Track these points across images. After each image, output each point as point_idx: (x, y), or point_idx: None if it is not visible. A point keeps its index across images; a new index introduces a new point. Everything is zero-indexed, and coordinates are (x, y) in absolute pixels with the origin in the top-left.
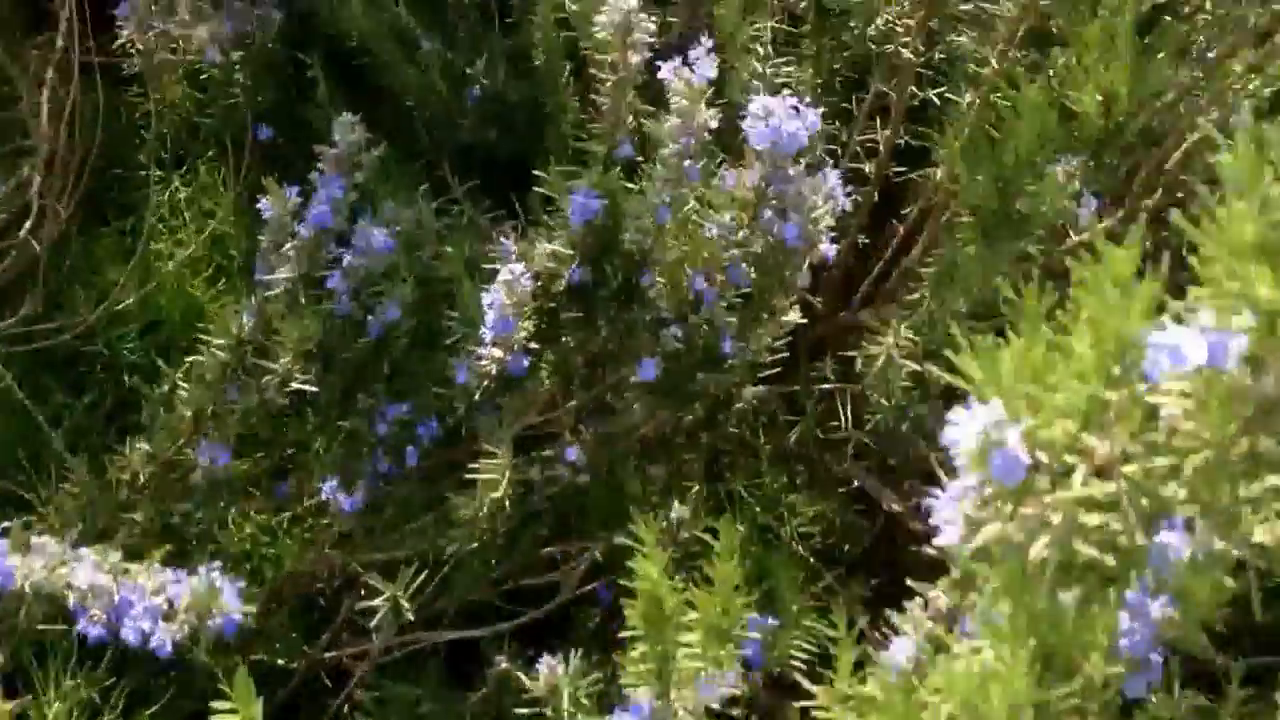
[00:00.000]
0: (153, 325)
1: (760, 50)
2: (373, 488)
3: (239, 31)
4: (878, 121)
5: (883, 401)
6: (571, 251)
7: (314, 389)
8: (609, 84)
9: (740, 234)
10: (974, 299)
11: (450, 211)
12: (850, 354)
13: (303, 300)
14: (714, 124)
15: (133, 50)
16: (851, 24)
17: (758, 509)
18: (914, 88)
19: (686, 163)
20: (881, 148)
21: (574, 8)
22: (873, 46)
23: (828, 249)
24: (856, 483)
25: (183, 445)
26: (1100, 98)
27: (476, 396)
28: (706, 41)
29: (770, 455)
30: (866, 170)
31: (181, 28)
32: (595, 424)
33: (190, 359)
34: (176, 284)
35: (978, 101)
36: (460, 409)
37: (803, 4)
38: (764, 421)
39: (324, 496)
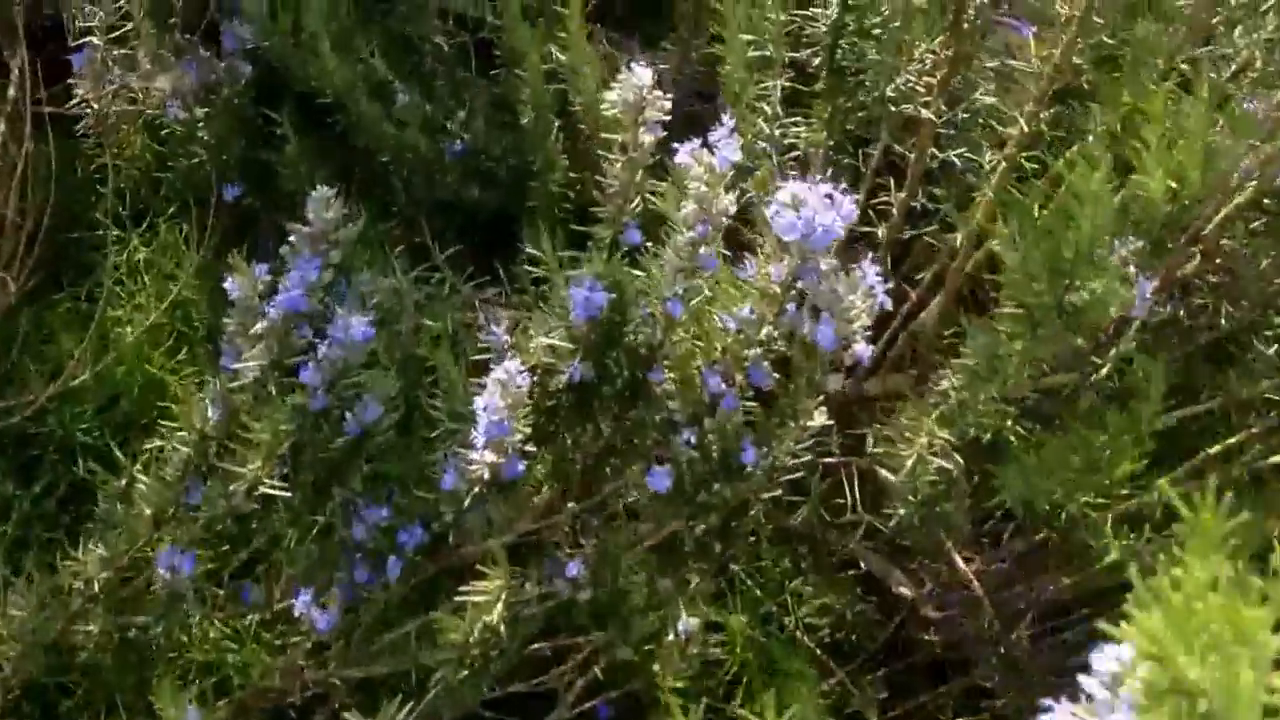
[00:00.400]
0: (111, 401)
1: (768, 109)
2: (350, 598)
3: (204, 83)
4: (892, 182)
5: (909, 500)
6: (572, 346)
7: (286, 492)
8: (619, 165)
9: (763, 331)
10: (1014, 394)
11: (430, 280)
12: (859, 430)
13: (273, 391)
14: (733, 209)
15: (86, 108)
16: (867, 83)
17: (759, 593)
18: (933, 149)
19: (702, 250)
20: (895, 209)
21: (563, 58)
22: (891, 107)
23: (863, 350)
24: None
25: (141, 547)
26: (1169, 182)
27: (466, 503)
28: (729, 121)
29: (771, 535)
30: (878, 234)
31: (142, 79)
32: (597, 534)
33: (150, 444)
34: (136, 356)
35: (1002, 164)
36: (448, 514)
37: (815, 61)
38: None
39: (296, 612)
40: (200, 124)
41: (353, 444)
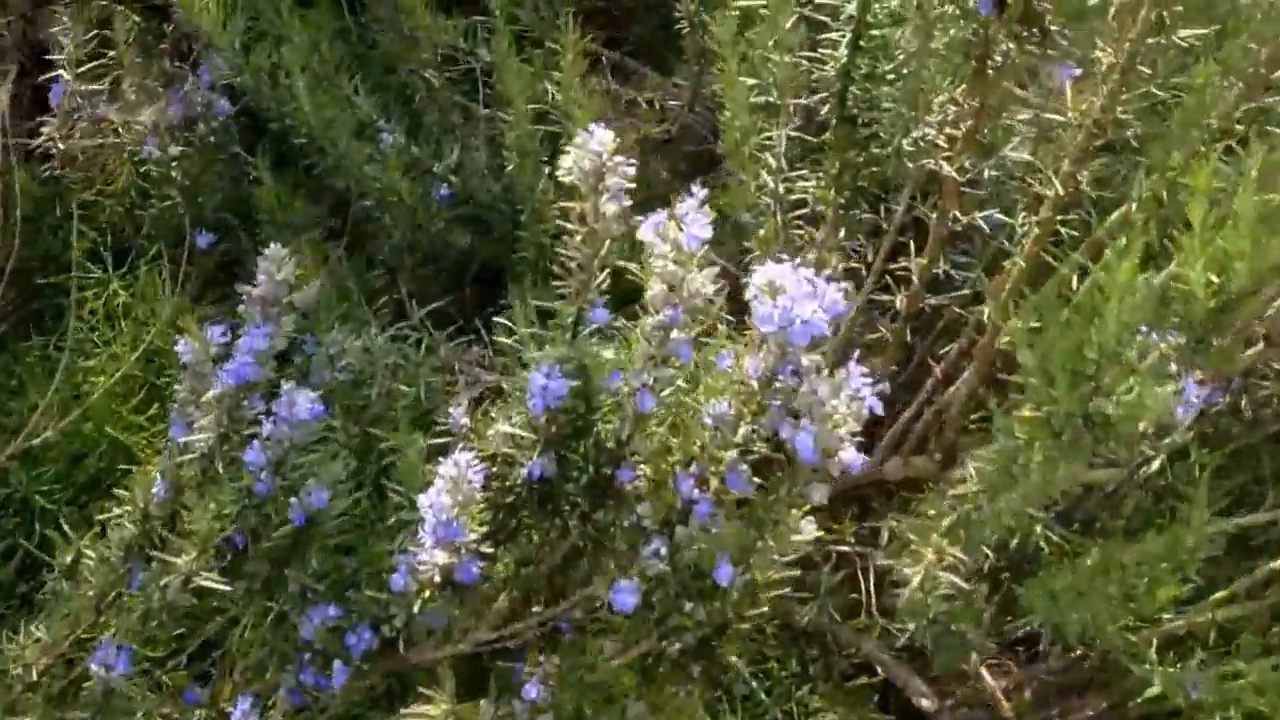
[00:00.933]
0: (76, 461)
1: (773, 162)
2: (298, 702)
3: (188, 118)
4: (913, 244)
5: (920, 617)
6: (533, 436)
7: (225, 586)
8: (579, 238)
9: (740, 432)
10: (1038, 503)
11: (408, 338)
12: (873, 522)
13: (220, 469)
14: (710, 290)
15: (55, 144)
16: (882, 134)
17: (765, 697)
18: (957, 211)
19: (674, 336)
20: (915, 277)
21: (559, 97)
22: (908, 163)
23: (853, 459)
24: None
25: (85, 632)
26: (1211, 275)
27: (416, 607)
28: (699, 192)
29: (778, 633)
30: (897, 303)
31: (124, 113)
32: (561, 652)
33: (108, 513)
34: (106, 410)
35: (1036, 228)
36: (398, 617)
37: (824, 109)
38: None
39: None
40: (175, 163)
41: (299, 533)
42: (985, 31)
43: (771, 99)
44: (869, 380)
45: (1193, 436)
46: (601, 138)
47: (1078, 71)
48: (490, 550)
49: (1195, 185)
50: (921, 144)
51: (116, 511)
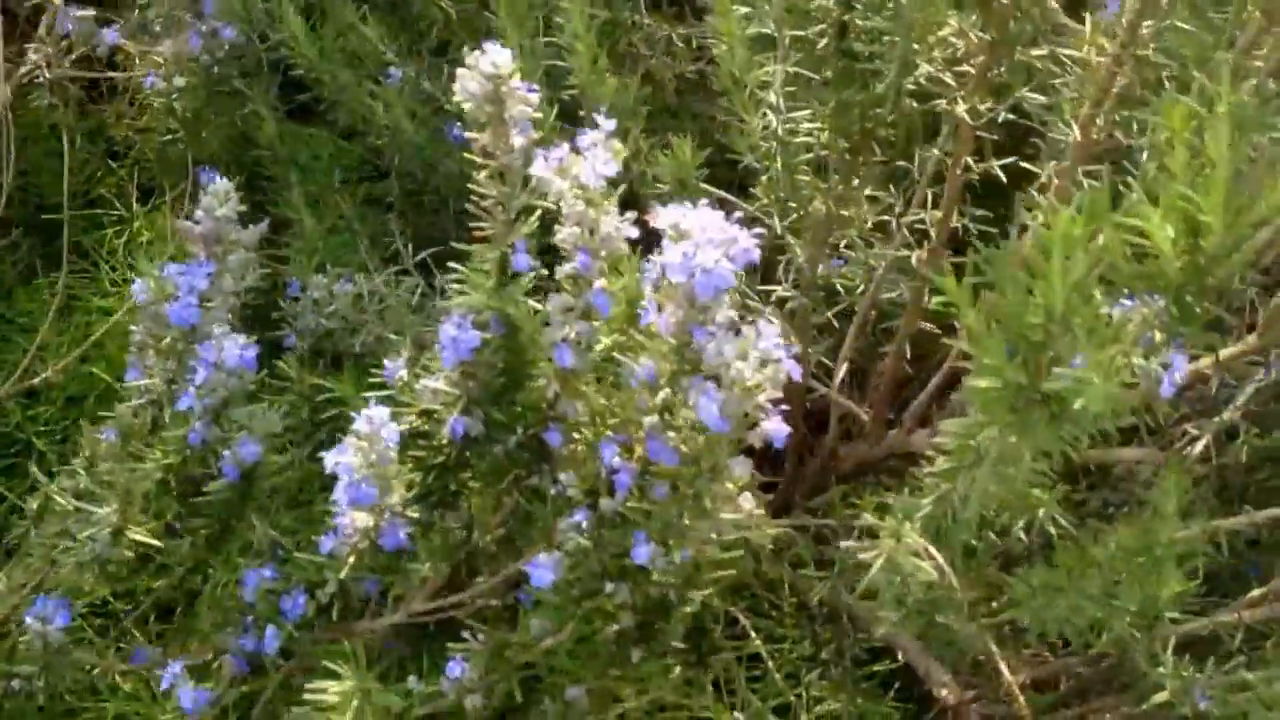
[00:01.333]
0: (76, 400)
1: (772, 99)
2: (242, 669)
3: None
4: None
5: (897, 607)
6: (455, 393)
7: (155, 541)
8: (484, 175)
9: (659, 395)
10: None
11: (404, 284)
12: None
13: (167, 419)
14: (632, 234)
15: (43, 72)
16: (883, 71)
17: (779, 677)
18: (969, 159)
19: (596, 287)
20: (932, 232)
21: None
22: (912, 103)
23: (776, 430)
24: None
25: (30, 590)
26: (1180, 229)
27: (343, 573)
28: (605, 122)
29: (794, 612)
30: (912, 258)
31: (143, 44)
32: (490, 628)
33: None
34: (111, 353)
35: (1055, 180)
36: (331, 584)
37: (821, 44)
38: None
39: (163, 685)
40: (174, 98)
41: (234, 488)
42: None
43: (768, 30)
44: (781, 341)
45: (1240, 414)
46: (497, 57)
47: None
48: (416, 515)
49: (1170, 126)
50: (924, 83)
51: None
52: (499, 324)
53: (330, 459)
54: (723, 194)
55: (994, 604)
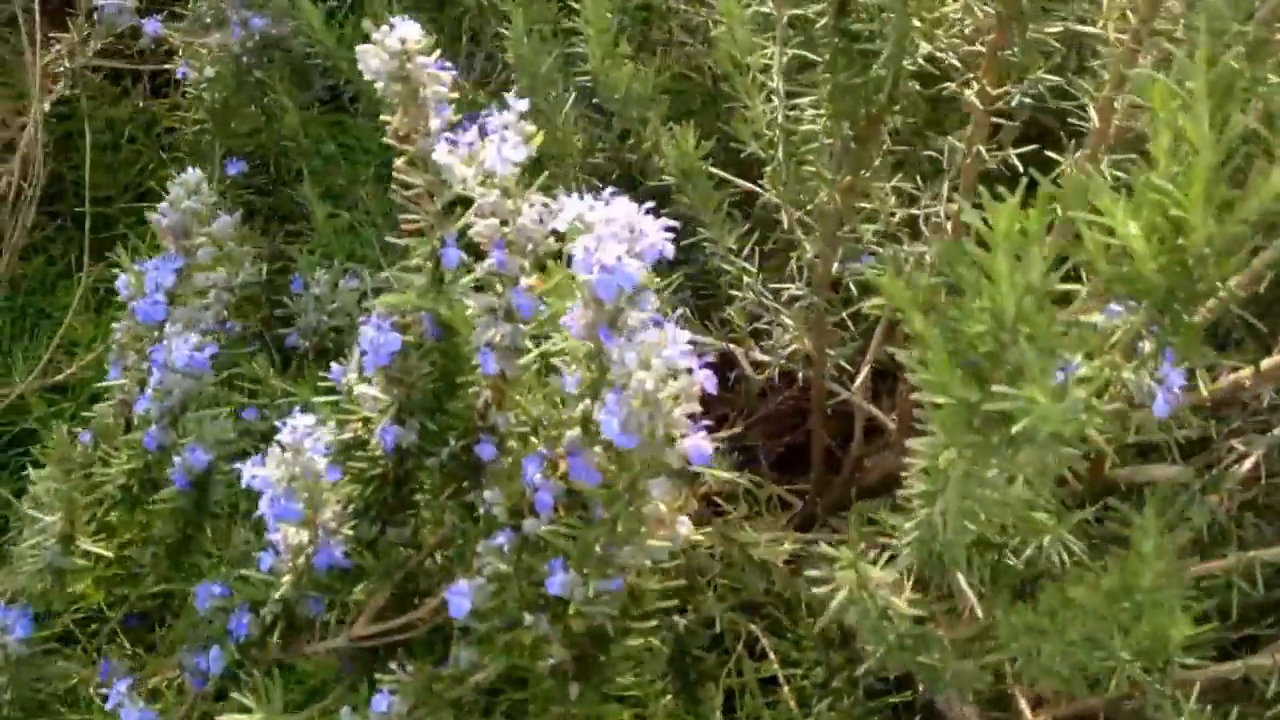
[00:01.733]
0: (100, 397)
1: (773, 83)
2: (197, 687)
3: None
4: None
5: (883, 641)
6: (387, 399)
7: (104, 552)
8: (402, 161)
9: (580, 407)
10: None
11: None
12: None
13: (136, 421)
14: (557, 225)
15: (63, 61)
16: (881, 52)
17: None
18: (981, 147)
19: (517, 286)
20: (949, 225)
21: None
22: (915, 86)
23: (696, 448)
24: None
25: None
26: (1158, 226)
27: (278, 593)
28: (517, 103)
29: (810, 634)
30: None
31: (190, 35)
32: (418, 658)
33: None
34: None
35: (1073, 170)
36: (272, 603)
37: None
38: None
39: (109, 705)
40: (203, 88)
41: (184, 496)
42: None
43: (767, 9)
44: (691, 349)
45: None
46: (405, 31)
47: None
48: (353, 532)
49: (1153, 104)
50: (926, 64)
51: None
52: (433, 326)
53: (247, 471)
54: (745, 184)
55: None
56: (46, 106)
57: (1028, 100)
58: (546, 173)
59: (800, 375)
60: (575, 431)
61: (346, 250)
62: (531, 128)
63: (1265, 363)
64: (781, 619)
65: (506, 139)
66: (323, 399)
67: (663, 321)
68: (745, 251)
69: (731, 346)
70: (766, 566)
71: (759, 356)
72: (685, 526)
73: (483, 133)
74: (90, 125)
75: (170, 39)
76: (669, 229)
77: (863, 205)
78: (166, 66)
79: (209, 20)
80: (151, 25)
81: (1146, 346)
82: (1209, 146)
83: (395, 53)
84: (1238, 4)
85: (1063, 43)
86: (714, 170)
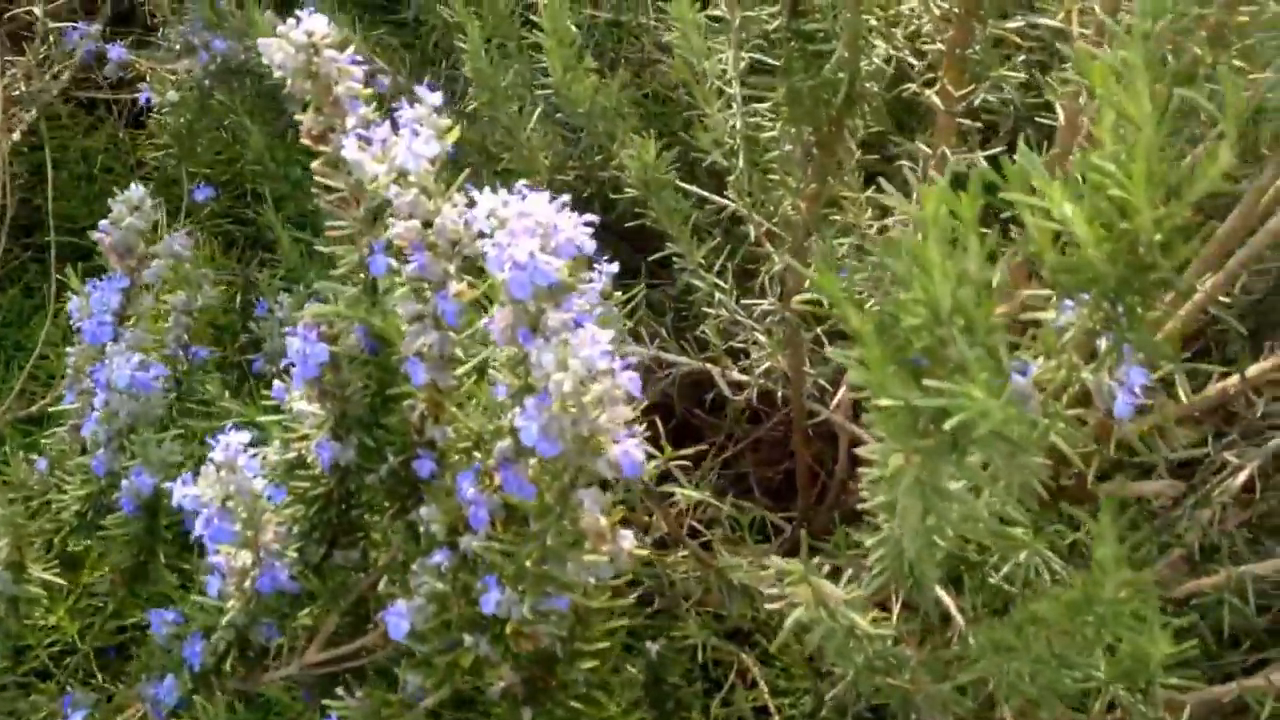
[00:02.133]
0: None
1: (730, 89)
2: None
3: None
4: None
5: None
6: (323, 414)
7: (57, 580)
8: (318, 163)
9: (509, 415)
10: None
11: None
12: None
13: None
14: (480, 228)
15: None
16: (835, 53)
17: None
18: (946, 149)
19: (442, 291)
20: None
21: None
22: (871, 86)
23: (627, 457)
24: None
25: None
26: (1103, 210)
27: (226, 619)
28: (429, 95)
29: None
30: None
31: (160, 60)
32: (368, 684)
33: None
34: None
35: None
36: (225, 627)
37: (773, 25)
38: None
39: None
40: (165, 113)
41: (138, 524)
42: None
43: (721, 12)
44: (611, 350)
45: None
46: (311, 25)
47: None
48: (298, 554)
49: (1092, 82)
50: (882, 64)
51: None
52: (366, 337)
53: (178, 491)
54: (714, 197)
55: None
56: (16, 135)
57: (992, 100)
58: (468, 170)
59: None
60: (506, 442)
61: (315, 274)
62: (445, 121)
63: (1252, 370)
64: (767, 646)
65: (419, 133)
66: (270, 418)
67: (585, 321)
68: (718, 266)
69: (708, 366)
70: (749, 592)
71: (737, 376)
72: (628, 541)
73: (395, 127)
74: (64, 155)
75: (137, 65)
76: (588, 224)
77: (835, 217)
78: (138, 95)
79: (177, 46)
80: (116, 51)
81: (1104, 344)
82: (1150, 123)
83: (302, 46)
84: None
85: (1026, 39)
86: (681, 184)
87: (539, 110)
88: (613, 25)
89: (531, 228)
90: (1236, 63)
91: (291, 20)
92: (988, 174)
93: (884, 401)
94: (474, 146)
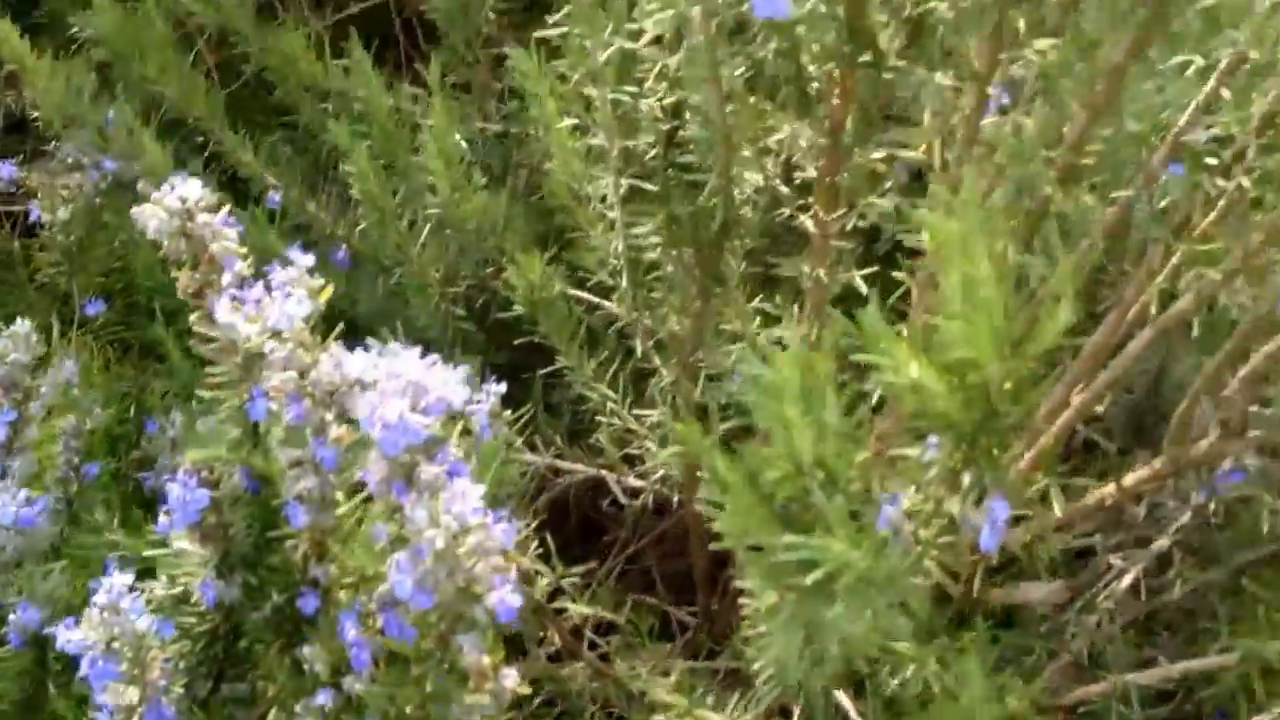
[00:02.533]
0: None
1: (610, 216)
2: None
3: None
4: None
5: None
6: (206, 554)
7: None
8: (196, 315)
9: (389, 560)
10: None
11: None
12: None
13: None
14: (350, 373)
15: None
16: (709, 181)
17: None
18: (821, 272)
19: (319, 438)
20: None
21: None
22: (746, 213)
23: (502, 604)
24: None
25: None
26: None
27: None
28: (301, 258)
29: None
30: None
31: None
32: None
33: None
34: None
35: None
36: None
37: (650, 155)
38: None
39: None
40: (57, 229)
41: (27, 659)
42: (796, 52)
43: (598, 141)
44: (483, 504)
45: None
46: (185, 190)
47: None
48: (184, 692)
49: (933, 242)
50: (758, 192)
51: None
52: (248, 479)
53: (62, 635)
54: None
55: None
56: None
57: (863, 224)
58: (341, 324)
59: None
60: (386, 587)
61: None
62: (318, 281)
63: (1128, 479)
64: None
65: (290, 294)
66: (156, 552)
67: (460, 472)
68: (611, 373)
69: (603, 473)
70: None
71: (633, 482)
72: (511, 679)
73: (269, 288)
74: None
75: (27, 181)
76: (459, 380)
77: (725, 326)
78: (31, 207)
79: (70, 161)
80: (6, 170)
81: (967, 478)
82: (991, 284)
83: (176, 212)
84: (1044, 131)
85: (893, 165)
86: (572, 290)
87: (429, 225)
88: (501, 136)
89: (401, 388)
90: (1087, 198)
91: (166, 186)
92: (846, 325)
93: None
94: (367, 258)
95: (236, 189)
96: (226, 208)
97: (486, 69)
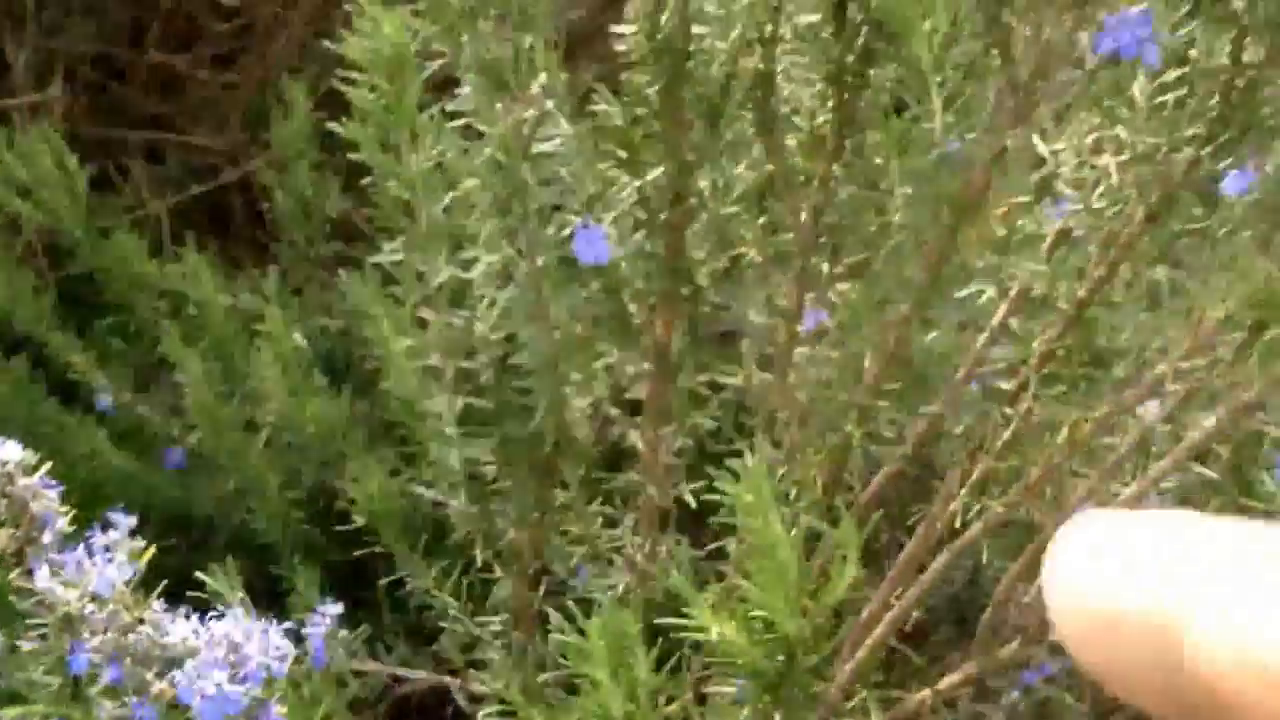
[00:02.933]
0: None
1: (449, 433)
2: None
3: None
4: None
5: None
6: None
7: None
8: (16, 572)
9: None
10: None
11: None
12: None
13: None
14: (172, 638)
15: None
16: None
17: None
18: (654, 489)
19: (152, 692)
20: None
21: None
22: (577, 434)
23: None
24: None
25: None
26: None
27: None
28: (122, 520)
29: None
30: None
31: None
32: None
33: None
34: None
35: None
36: None
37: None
38: None
39: None
40: None
41: None
42: (618, 289)
43: (435, 362)
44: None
45: None
46: (5, 453)
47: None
48: None
49: (733, 503)
50: (586, 417)
51: None
52: None
53: None
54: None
55: None
56: None
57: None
58: (164, 582)
59: None
60: None
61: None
62: (139, 544)
63: (943, 683)
64: None
65: (111, 559)
66: None
67: None
68: (454, 580)
69: (446, 679)
70: None
71: (477, 689)
72: None
73: (90, 552)
74: None
75: None
76: (281, 649)
77: (567, 528)
78: None
79: None
80: None
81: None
82: (784, 545)
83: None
84: (843, 372)
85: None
86: (411, 501)
87: (267, 431)
88: (344, 333)
89: (221, 659)
90: (886, 433)
91: None
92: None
93: None
94: (203, 460)
95: (65, 390)
96: (45, 467)
97: (330, 262)
